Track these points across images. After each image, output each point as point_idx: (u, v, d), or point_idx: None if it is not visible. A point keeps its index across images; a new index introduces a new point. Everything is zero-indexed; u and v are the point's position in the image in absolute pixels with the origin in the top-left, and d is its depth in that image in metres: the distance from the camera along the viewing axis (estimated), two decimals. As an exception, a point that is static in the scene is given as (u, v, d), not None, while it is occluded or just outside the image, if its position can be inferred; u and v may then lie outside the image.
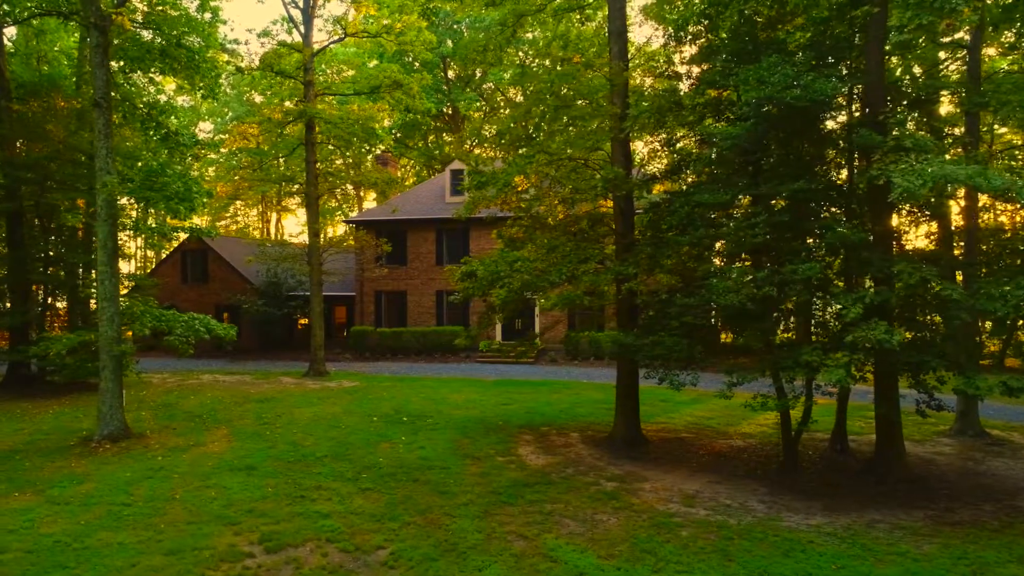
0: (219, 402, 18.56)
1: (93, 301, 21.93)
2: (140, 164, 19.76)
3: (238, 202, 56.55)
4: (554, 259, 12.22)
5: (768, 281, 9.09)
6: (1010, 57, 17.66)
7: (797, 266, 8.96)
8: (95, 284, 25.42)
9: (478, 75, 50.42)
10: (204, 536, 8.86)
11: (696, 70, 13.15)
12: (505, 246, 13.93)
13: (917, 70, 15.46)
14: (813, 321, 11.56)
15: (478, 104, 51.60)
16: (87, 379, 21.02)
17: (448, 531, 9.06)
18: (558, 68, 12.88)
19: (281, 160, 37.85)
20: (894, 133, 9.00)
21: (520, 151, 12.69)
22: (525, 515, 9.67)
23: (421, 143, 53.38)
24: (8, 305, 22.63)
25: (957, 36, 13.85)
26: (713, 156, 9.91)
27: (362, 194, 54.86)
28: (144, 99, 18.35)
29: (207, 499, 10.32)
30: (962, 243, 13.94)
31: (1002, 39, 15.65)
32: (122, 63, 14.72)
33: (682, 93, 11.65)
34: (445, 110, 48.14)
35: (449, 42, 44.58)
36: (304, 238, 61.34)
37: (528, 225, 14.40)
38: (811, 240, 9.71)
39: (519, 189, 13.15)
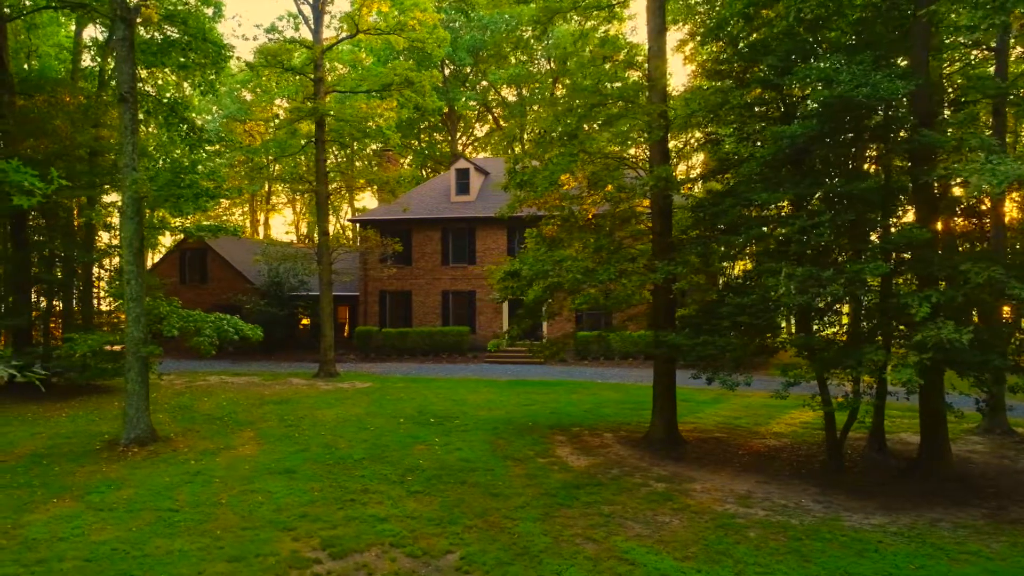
0: (235, 404, 18.19)
1: (102, 302, 21.43)
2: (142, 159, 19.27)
3: (225, 201, 55.67)
4: (600, 258, 12.13)
5: (833, 280, 9.07)
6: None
7: (864, 265, 8.96)
8: (109, 285, 24.98)
9: (471, 75, 50.21)
10: (263, 542, 8.63)
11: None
12: (541, 244, 13.78)
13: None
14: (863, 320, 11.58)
15: (472, 104, 51.41)
16: (96, 381, 20.56)
17: (513, 534, 8.91)
18: (598, 64, 12.80)
19: (270, 157, 37.20)
20: (976, 133, 9.04)
21: (560, 149, 12.57)
22: (585, 517, 9.54)
23: (415, 142, 53.04)
24: (5, 306, 22.00)
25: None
26: (768, 156, 9.85)
27: (353, 193, 54.27)
28: (168, 94, 17.93)
29: (255, 504, 10.06)
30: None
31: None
32: (151, 58, 14.34)
33: (729, 92, 11.60)
34: (443, 109, 47.90)
35: (445, 41, 44.28)
36: (292, 237, 60.83)
37: (561, 224, 14.29)
38: (874, 239, 9.70)
39: (564, 188, 13.04)
